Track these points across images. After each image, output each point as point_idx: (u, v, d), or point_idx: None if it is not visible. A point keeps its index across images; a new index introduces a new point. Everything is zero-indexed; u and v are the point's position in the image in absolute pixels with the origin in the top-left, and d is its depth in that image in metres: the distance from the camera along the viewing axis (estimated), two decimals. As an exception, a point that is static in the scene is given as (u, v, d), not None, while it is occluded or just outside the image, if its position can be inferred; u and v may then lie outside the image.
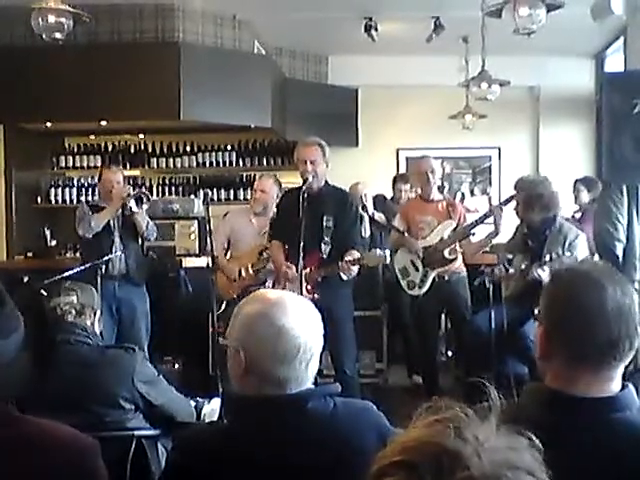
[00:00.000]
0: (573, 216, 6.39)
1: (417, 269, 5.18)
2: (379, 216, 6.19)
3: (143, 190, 5.61)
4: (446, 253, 5.08)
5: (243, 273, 5.10)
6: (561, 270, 1.63)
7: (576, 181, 6.51)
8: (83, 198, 7.40)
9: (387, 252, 4.48)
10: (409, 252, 5.24)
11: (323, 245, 4.43)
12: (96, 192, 7.25)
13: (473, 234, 5.12)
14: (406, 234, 5.28)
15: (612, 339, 1.44)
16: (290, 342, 1.66)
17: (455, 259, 5.12)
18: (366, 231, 5.86)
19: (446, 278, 5.15)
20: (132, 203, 5.14)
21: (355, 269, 4.40)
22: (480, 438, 0.87)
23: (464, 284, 5.17)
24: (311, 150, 4.47)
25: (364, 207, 6.05)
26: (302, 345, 1.66)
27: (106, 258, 4.88)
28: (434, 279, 5.13)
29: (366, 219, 5.91)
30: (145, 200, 5.20)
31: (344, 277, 4.38)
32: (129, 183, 7.43)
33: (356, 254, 4.40)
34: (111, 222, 5.19)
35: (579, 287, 1.49)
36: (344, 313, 4.47)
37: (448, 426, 0.88)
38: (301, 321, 1.69)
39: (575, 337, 1.46)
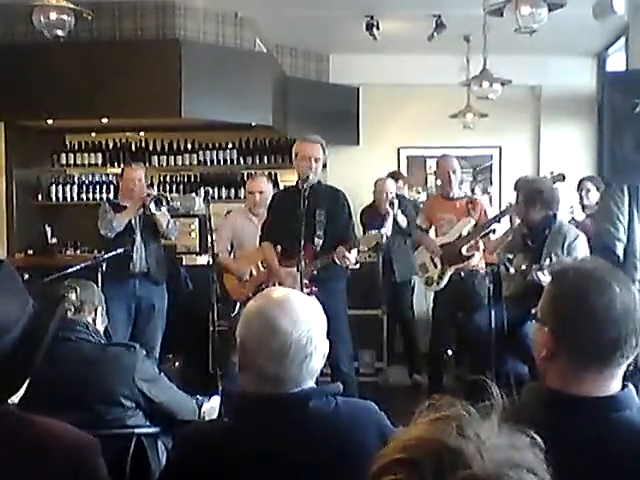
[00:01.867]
0: (588, 216, 6.23)
1: (435, 265, 5.25)
2: (402, 219, 6.14)
3: (162, 192, 5.60)
4: (464, 250, 5.12)
5: (254, 272, 5.09)
6: (565, 269, 1.61)
7: (582, 180, 6.38)
8: (84, 195, 7.44)
9: (383, 230, 4.50)
10: (429, 252, 5.30)
11: (316, 238, 4.45)
12: (102, 188, 7.41)
13: (493, 231, 5.14)
14: (431, 231, 5.35)
15: (620, 337, 1.44)
16: (281, 340, 1.66)
17: (472, 256, 5.15)
18: (388, 230, 5.87)
19: (462, 275, 5.19)
20: (152, 205, 5.18)
21: (352, 256, 4.41)
22: (482, 436, 0.87)
23: (480, 282, 5.19)
24: (315, 148, 4.51)
25: (391, 204, 6.06)
26: (294, 344, 1.66)
27: (110, 254, 4.89)
28: (451, 276, 5.18)
29: (390, 218, 5.97)
30: (164, 203, 5.25)
31: (338, 262, 4.38)
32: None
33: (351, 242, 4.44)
34: (132, 221, 5.25)
35: (587, 286, 1.48)
36: (339, 309, 4.48)
37: (450, 424, 0.88)
38: (296, 320, 1.68)
39: (584, 336, 1.46)
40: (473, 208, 5.23)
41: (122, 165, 7.37)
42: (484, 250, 5.27)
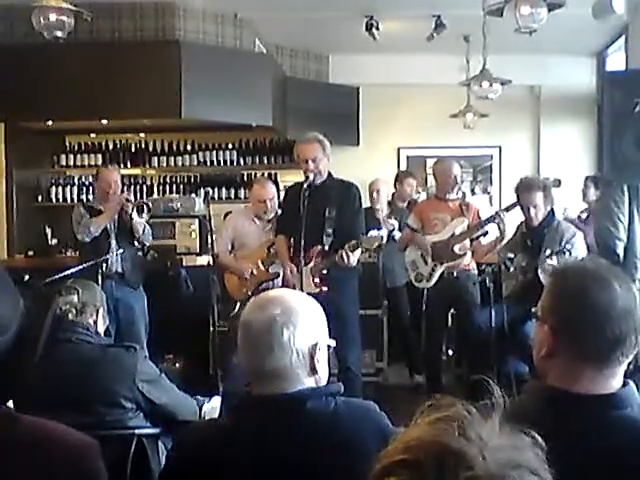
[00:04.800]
0: (579, 217, 6.37)
1: (426, 262, 5.25)
2: (392, 223, 6.11)
3: (145, 200, 5.58)
4: (456, 249, 5.12)
5: (254, 271, 5.08)
6: (565, 268, 1.62)
7: (586, 178, 6.48)
8: (84, 197, 7.41)
9: (384, 232, 4.47)
10: (418, 248, 5.30)
11: (325, 237, 4.42)
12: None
13: (486, 233, 5.14)
14: (419, 232, 5.34)
15: (620, 336, 1.45)
16: (255, 337, 1.69)
17: (464, 255, 5.16)
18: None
19: (455, 274, 5.19)
20: (134, 214, 5.17)
21: (354, 258, 4.36)
22: (483, 437, 0.86)
23: (473, 282, 5.19)
24: (311, 148, 4.45)
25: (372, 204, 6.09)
26: (269, 341, 1.68)
27: (105, 257, 4.88)
28: (442, 274, 5.18)
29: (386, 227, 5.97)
30: (146, 210, 5.24)
31: (342, 265, 4.35)
32: (130, 182, 7.51)
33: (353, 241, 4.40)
34: (107, 225, 5.23)
35: (588, 284, 1.49)
36: (349, 307, 4.47)
37: (451, 425, 0.87)
38: (272, 318, 1.69)
39: (585, 335, 1.46)
40: (467, 210, 5.24)
41: (127, 166, 7.43)
42: (474, 253, 5.27)
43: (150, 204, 5.40)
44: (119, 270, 5.20)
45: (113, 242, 5.22)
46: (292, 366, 1.70)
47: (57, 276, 4.12)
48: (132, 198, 5.41)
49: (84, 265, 4.74)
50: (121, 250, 5.10)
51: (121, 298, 5.22)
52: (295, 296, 1.81)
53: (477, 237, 5.14)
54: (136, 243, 5.39)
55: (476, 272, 5.28)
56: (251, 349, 1.72)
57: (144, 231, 5.30)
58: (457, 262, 5.17)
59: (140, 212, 5.23)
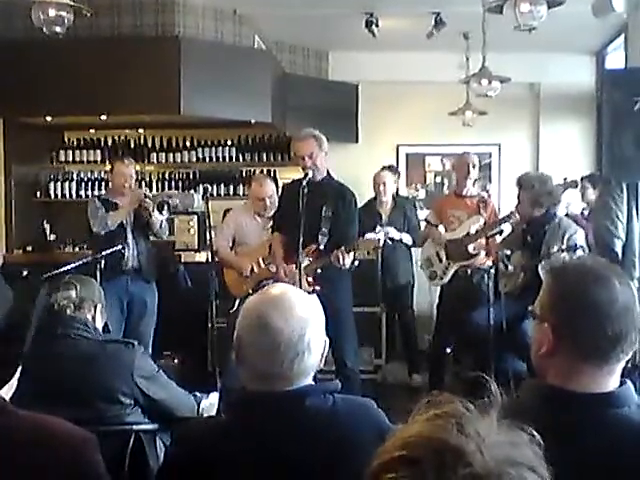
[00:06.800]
0: (582, 213, 6.38)
1: (440, 260, 5.26)
2: (407, 239, 6.03)
3: (165, 197, 5.57)
4: (470, 248, 5.13)
5: (255, 268, 5.07)
6: (564, 266, 1.62)
7: (582, 178, 6.48)
8: (82, 192, 7.41)
9: (381, 234, 4.45)
10: (435, 243, 5.30)
11: (320, 236, 4.41)
12: (100, 185, 7.34)
13: (501, 232, 5.14)
14: (440, 227, 5.34)
15: (620, 334, 1.45)
16: (270, 337, 1.66)
17: (478, 254, 5.15)
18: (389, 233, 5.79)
19: (469, 272, 5.19)
20: (155, 212, 5.19)
21: (348, 259, 4.37)
22: (482, 434, 0.86)
23: (486, 280, 5.19)
24: (306, 144, 4.45)
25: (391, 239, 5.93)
26: (284, 342, 1.66)
27: (109, 251, 4.87)
28: (456, 272, 5.18)
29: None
30: (166, 208, 5.26)
31: (337, 266, 4.35)
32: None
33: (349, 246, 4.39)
34: (123, 219, 5.23)
35: (588, 283, 1.48)
36: (344, 305, 4.47)
37: (449, 421, 0.87)
38: (288, 318, 1.68)
39: (585, 333, 1.46)
40: (484, 207, 5.23)
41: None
42: (487, 254, 5.26)
43: (170, 201, 5.40)
44: (135, 266, 5.23)
45: (129, 236, 5.23)
46: (310, 370, 1.71)
47: (63, 269, 4.12)
48: (149, 194, 5.43)
49: (87, 259, 4.75)
50: (120, 246, 5.09)
51: (135, 293, 5.26)
52: (305, 297, 1.80)
53: (492, 236, 5.13)
54: (152, 237, 5.43)
55: (492, 271, 5.27)
56: (270, 355, 1.67)
57: (161, 226, 5.33)
58: (470, 261, 5.17)
59: (160, 210, 5.25)
